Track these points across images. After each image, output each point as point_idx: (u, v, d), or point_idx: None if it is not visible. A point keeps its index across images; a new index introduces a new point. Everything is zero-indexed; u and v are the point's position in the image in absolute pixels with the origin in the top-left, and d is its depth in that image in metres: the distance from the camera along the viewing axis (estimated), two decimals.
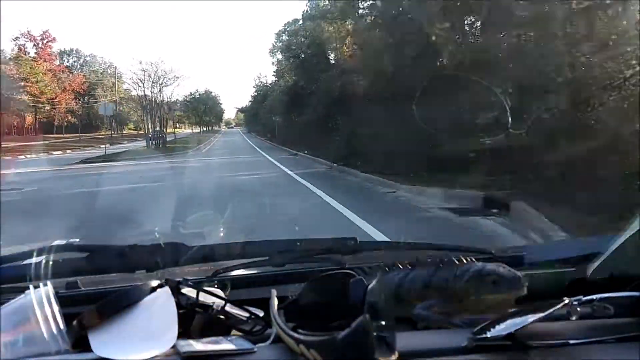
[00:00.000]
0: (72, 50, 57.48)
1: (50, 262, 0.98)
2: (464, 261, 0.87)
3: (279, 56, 37.83)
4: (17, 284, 0.88)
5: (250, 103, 59.40)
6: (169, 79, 38.22)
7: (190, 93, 68.40)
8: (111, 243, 1.12)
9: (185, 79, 62.95)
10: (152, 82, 36.45)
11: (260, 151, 24.10)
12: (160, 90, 37.67)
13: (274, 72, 44.25)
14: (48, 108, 44.34)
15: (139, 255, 0.97)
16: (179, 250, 0.99)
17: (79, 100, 50.62)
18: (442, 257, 0.89)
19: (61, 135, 43.69)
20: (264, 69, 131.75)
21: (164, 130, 36.27)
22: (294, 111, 23.90)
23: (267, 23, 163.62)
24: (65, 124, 48.31)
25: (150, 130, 32.82)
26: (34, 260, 0.97)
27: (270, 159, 17.75)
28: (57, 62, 52.62)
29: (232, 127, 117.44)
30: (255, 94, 54.45)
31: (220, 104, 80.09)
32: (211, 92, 72.20)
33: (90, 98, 50.77)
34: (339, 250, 1.07)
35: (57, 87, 45.25)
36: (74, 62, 58.05)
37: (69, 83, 48.83)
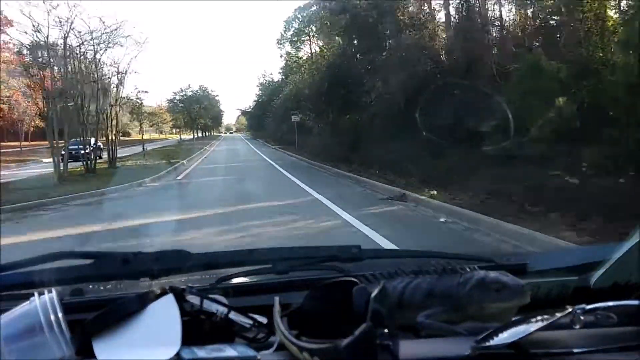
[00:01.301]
0: (46, 42, 43.19)
1: (55, 269, 0.99)
2: (467, 269, 0.87)
3: (289, 47, 35.02)
4: (21, 291, 0.89)
5: (255, 103, 51.14)
6: (115, 37, 16.80)
7: (181, 89, 55.75)
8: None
9: (147, 45, 29.18)
10: (67, 34, 15.16)
11: (298, 181, 11.33)
12: (95, 55, 16.93)
13: (280, 69, 39.77)
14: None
15: (143, 263, 0.97)
16: (182, 258, 0.99)
17: (52, 101, 35.60)
18: (445, 265, 0.89)
19: (15, 144, 33.68)
20: (269, 66, 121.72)
21: (112, 136, 18.19)
22: (337, 105, 14.75)
23: (271, 14, 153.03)
24: (33, 129, 35.92)
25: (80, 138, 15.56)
26: (38, 267, 0.98)
27: (361, 226, 5.85)
28: (28, 56, 38.08)
29: (232, 133, 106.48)
30: (260, 92, 47.55)
31: (219, 103, 66.33)
32: (207, 88, 58.71)
33: (69, 99, 37.05)
34: (342, 258, 1.07)
35: (16, 84, 30.80)
36: (48, 56, 45.68)
37: (36, 81, 36.06)
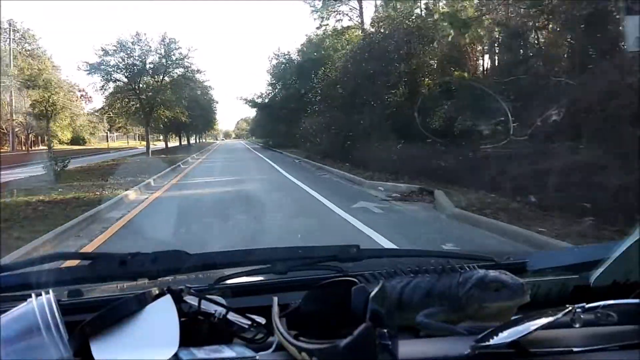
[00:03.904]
0: None
1: (52, 270, 0.98)
2: (467, 268, 0.87)
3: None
4: (19, 292, 0.89)
5: (270, 89, 30.49)
6: None
7: (119, 43, 24.54)
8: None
9: None
10: None
11: None
12: None
13: (302, 45, 26.31)
14: None
15: (141, 263, 0.97)
16: (180, 258, 0.99)
17: None
18: (444, 264, 0.89)
19: None
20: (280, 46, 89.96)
21: None
22: None
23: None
24: None
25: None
26: (36, 268, 0.98)
27: None
28: None
29: (223, 139, 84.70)
30: (275, 73, 29.16)
31: (209, 89, 35.74)
32: (176, 42, 26.15)
33: None
34: (341, 257, 1.07)
35: None
36: None
37: None
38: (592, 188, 5.02)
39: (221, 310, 0.80)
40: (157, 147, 34.58)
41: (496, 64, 10.88)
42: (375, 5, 19.14)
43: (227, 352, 0.73)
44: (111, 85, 25.56)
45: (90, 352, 0.70)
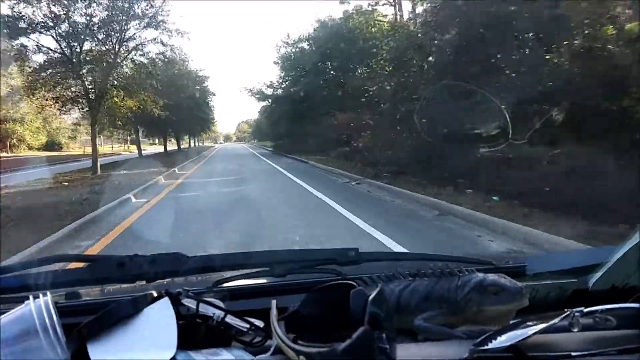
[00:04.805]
0: None
1: (50, 272, 0.98)
2: (465, 272, 0.87)
3: None
4: (17, 294, 0.88)
5: (284, 75, 24.85)
6: None
7: None
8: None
9: None
10: None
11: None
12: None
13: (315, 30, 21.58)
14: None
15: (139, 265, 0.97)
16: (179, 261, 0.99)
17: None
18: (443, 268, 0.89)
19: None
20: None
21: None
22: None
23: None
24: None
25: None
26: (34, 270, 0.97)
27: None
28: None
29: (222, 144, 79.55)
30: (284, 62, 24.27)
31: (204, 79, 30.20)
32: None
33: None
34: (339, 261, 1.07)
35: None
36: None
37: None
38: None
39: (219, 313, 0.80)
40: (131, 155, 25.52)
41: None
42: None
43: (226, 355, 0.73)
44: (35, 56, 14.17)
45: (87, 355, 0.70)
